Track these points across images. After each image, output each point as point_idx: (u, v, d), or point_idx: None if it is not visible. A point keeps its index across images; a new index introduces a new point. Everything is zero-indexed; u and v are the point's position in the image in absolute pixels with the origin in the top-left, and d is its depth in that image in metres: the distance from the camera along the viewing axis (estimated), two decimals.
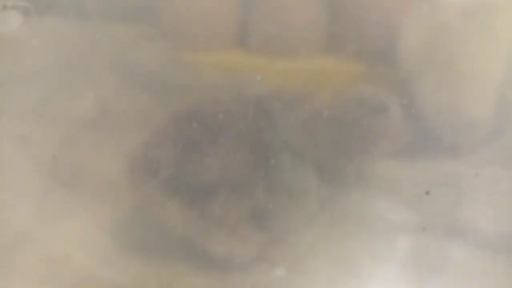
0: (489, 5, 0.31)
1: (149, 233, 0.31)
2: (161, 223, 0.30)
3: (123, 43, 0.43)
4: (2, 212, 0.35)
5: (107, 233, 0.33)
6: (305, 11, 0.40)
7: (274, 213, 0.29)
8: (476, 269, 0.31)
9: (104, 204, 0.33)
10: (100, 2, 0.46)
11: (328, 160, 0.29)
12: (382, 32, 0.35)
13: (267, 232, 0.29)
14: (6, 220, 0.35)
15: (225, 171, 0.28)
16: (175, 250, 0.31)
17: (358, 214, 0.31)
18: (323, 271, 0.30)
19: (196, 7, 0.42)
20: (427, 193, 0.31)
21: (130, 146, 0.32)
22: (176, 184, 0.28)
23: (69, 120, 0.38)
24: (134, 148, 0.30)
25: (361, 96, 0.29)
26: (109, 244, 0.33)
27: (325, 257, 0.30)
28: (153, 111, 0.38)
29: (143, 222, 0.32)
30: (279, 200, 0.29)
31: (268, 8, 0.41)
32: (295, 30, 0.40)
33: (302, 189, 0.29)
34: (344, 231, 0.31)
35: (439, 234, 0.31)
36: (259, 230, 0.29)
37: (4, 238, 0.34)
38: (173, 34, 0.43)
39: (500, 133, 0.33)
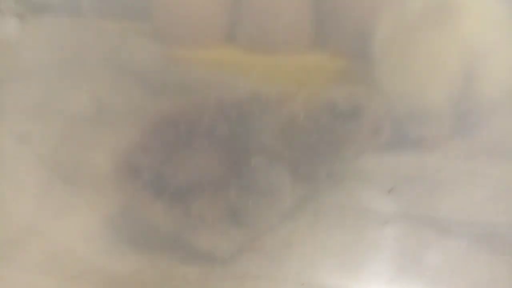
0: (451, 8, 0.33)
1: (143, 228, 0.33)
2: (152, 220, 0.32)
3: (116, 40, 0.44)
4: (6, 207, 0.37)
5: (105, 227, 0.35)
6: (291, 10, 0.41)
7: (252, 210, 0.31)
8: (441, 254, 0.33)
9: (102, 199, 0.35)
10: (94, 0, 0.47)
11: (302, 161, 0.31)
12: (359, 31, 0.36)
13: (246, 228, 0.31)
14: (9, 214, 0.37)
15: (206, 172, 0.30)
16: (165, 243, 0.33)
17: (330, 209, 0.33)
18: (297, 262, 0.32)
19: (186, 5, 0.43)
20: (393, 188, 0.33)
21: (124, 144, 0.33)
22: (163, 183, 0.30)
23: (66, 117, 0.39)
24: (126, 149, 0.32)
25: (334, 100, 0.31)
26: (107, 237, 0.34)
27: (299, 249, 0.33)
28: (145, 109, 0.39)
29: (136, 218, 0.34)
30: (256, 199, 0.31)
31: (255, 7, 0.42)
32: (281, 28, 0.42)
33: (277, 188, 0.31)
34: (316, 226, 0.33)
35: (407, 224, 0.33)
36: (239, 225, 0.31)
37: (8, 232, 0.36)
38: (164, 31, 0.44)
39: (463, 128, 0.35)
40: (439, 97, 0.33)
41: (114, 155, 0.33)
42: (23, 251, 0.35)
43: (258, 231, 0.32)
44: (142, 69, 0.42)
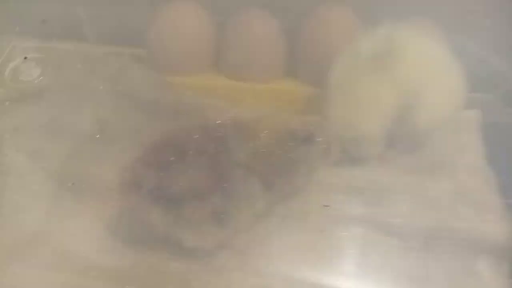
0: (393, 56, 0.39)
1: (138, 230, 0.37)
2: (147, 222, 0.35)
3: (117, 66, 0.48)
4: (19, 214, 0.39)
5: (106, 229, 0.37)
6: (266, 46, 0.47)
7: (230, 214, 0.35)
8: (393, 254, 0.37)
9: (103, 207, 0.38)
10: (95, 28, 0.50)
11: (270, 174, 0.36)
12: (322, 64, 0.42)
13: (225, 228, 0.35)
14: (23, 220, 0.38)
15: (192, 183, 0.34)
16: (158, 242, 0.36)
17: (294, 213, 0.38)
18: (267, 256, 0.36)
19: (178, 39, 0.47)
20: (349, 195, 0.38)
21: (123, 160, 0.36)
22: (157, 193, 0.34)
23: (73, 136, 0.43)
24: (125, 164, 0.35)
25: (294, 127, 0.36)
26: (108, 238, 0.37)
27: (271, 246, 0.37)
28: (142, 128, 0.43)
29: (133, 221, 0.37)
30: (234, 204, 0.35)
31: (237, 42, 0.47)
32: (258, 60, 0.47)
33: (251, 196, 0.36)
34: (284, 226, 0.37)
35: (357, 227, 0.37)
36: (219, 227, 0.35)
37: (21, 236, 0.37)
38: (158, 60, 0.48)
39: (404, 148, 0.40)
40: (376, 126, 0.39)
41: (115, 169, 0.36)
42: (35, 251, 0.36)
43: (235, 231, 0.36)
44: (139, 93, 0.45)
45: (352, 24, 0.45)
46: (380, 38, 0.40)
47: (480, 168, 0.41)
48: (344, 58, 0.41)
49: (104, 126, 0.43)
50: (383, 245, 0.37)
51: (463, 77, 0.41)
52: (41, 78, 0.45)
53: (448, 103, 0.40)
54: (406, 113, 0.39)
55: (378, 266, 0.36)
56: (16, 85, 0.45)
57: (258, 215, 0.37)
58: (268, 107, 0.44)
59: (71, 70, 0.46)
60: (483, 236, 0.37)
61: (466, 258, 0.36)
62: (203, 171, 0.34)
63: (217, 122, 0.35)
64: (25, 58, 0.46)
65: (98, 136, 0.43)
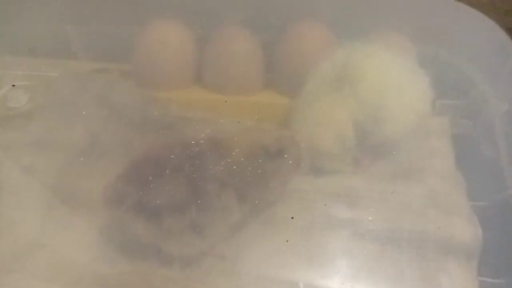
0: (354, 76, 0.42)
1: (127, 240, 0.38)
2: (134, 233, 0.37)
3: (105, 81, 0.49)
4: (15, 225, 0.40)
5: (97, 241, 0.38)
6: (247, 59, 0.48)
7: (207, 225, 0.37)
8: (360, 254, 0.38)
9: (94, 217, 0.39)
10: (83, 45, 0.51)
11: (245, 187, 0.38)
12: (298, 77, 0.43)
13: (205, 238, 0.37)
14: (18, 231, 0.39)
15: (172, 197, 0.36)
16: (145, 251, 0.38)
17: (269, 221, 0.40)
18: (246, 261, 0.38)
19: (163, 55, 0.48)
20: (326, 203, 0.40)
21: (112, 172, 0.38)
22: (141, 206, 0.36)
23: (64, 150, 0.44)
24: (108, 181, 0.37)
25: (266, 143, 0.38)
26: (99, 247, 0.38)
27: (247, 252, 0.38)
28: (130, 144, 0.44)
29: (122, 233, 0.38)
30: (211, 216, 0.37)
31: (218, 57, 0.48)
32: (239, 73, 0.48)
33: (227, 208, 0.37)
34: (258, 234, 0.39)
35: (335, 231, 0.39)
36: (200, 236, 0.37)
37: (17, 246, 0.38)
38: (144, 74, 0.50)
39: (373, 158, 0.42)
40: (334, 143, 0.41)
41: (103, 182, 0.37)
42: (31, 261, 0.37)
43: (215, 240, 0.38)
44: (127, 108, 0.47)
45: (327, 39, 0.47)
46: (338, 60, 0.42)
47: (449, 173, 0.43)
48: (312, 76, 0.43)
49: (94, 141, 0.45)
50: (359, 248, 0.38)
51: (431, 85, 0.43)
52: (29, 104, 0.46)
53: (413, 111, 0.42)
54: (373, 126, 0.41)
55: (356, 267, 0.37)
56: (5, 112, 0.47)
57: (234, 225, 0.38)
58: (248, 119, 0.45)
59: (59, 90, 0.48)
60: (452, 237, 0.39)
61: (437, 258, 0.38)
62: (181, 186, 0.36)
63: (192, 142, 0.37)
64: (13, 86, 0.47)
65: (88, 150, 0.44)
